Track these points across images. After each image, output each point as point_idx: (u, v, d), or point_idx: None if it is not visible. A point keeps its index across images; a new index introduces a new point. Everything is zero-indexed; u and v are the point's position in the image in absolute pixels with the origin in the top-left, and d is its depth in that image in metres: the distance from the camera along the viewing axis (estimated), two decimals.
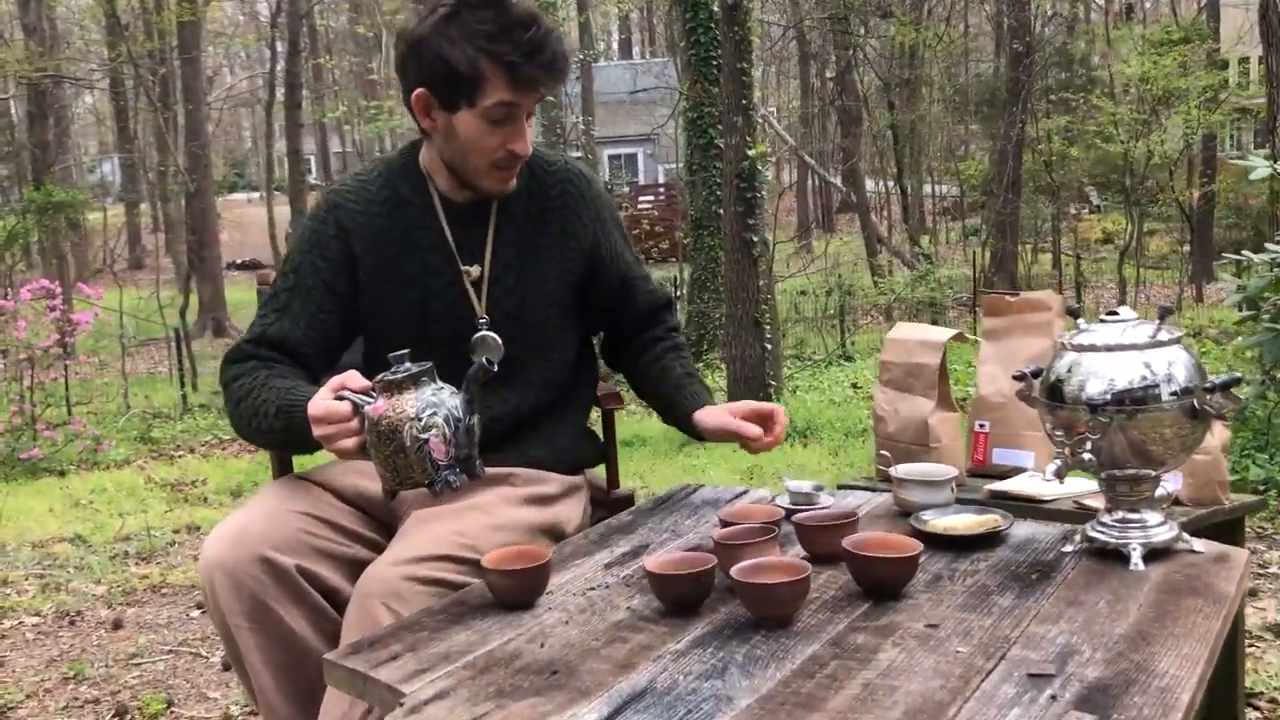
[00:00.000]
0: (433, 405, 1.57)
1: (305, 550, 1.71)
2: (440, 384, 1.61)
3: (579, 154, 13.55)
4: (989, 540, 1.68)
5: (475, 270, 1.93)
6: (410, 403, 1.56)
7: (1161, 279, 15.90)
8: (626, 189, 24.03)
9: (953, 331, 2.36)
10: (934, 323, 11.97)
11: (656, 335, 2.10)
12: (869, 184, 19.62)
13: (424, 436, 1.55)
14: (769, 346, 7.08)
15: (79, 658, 3.42)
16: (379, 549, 1.75)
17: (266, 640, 1.68)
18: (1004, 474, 2.29)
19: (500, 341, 1.89)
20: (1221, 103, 15.17)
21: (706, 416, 1.94)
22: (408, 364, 1.60)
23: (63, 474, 7.00)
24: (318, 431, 1.61)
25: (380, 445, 1.56)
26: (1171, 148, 14.44)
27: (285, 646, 1.69)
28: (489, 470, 1.89)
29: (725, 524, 1.72)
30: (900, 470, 1.87)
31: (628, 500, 2.20)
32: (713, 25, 8.45)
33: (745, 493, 2.07)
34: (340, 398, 1.61)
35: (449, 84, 1.78)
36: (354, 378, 1.63)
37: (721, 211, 8.16)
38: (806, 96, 22.41)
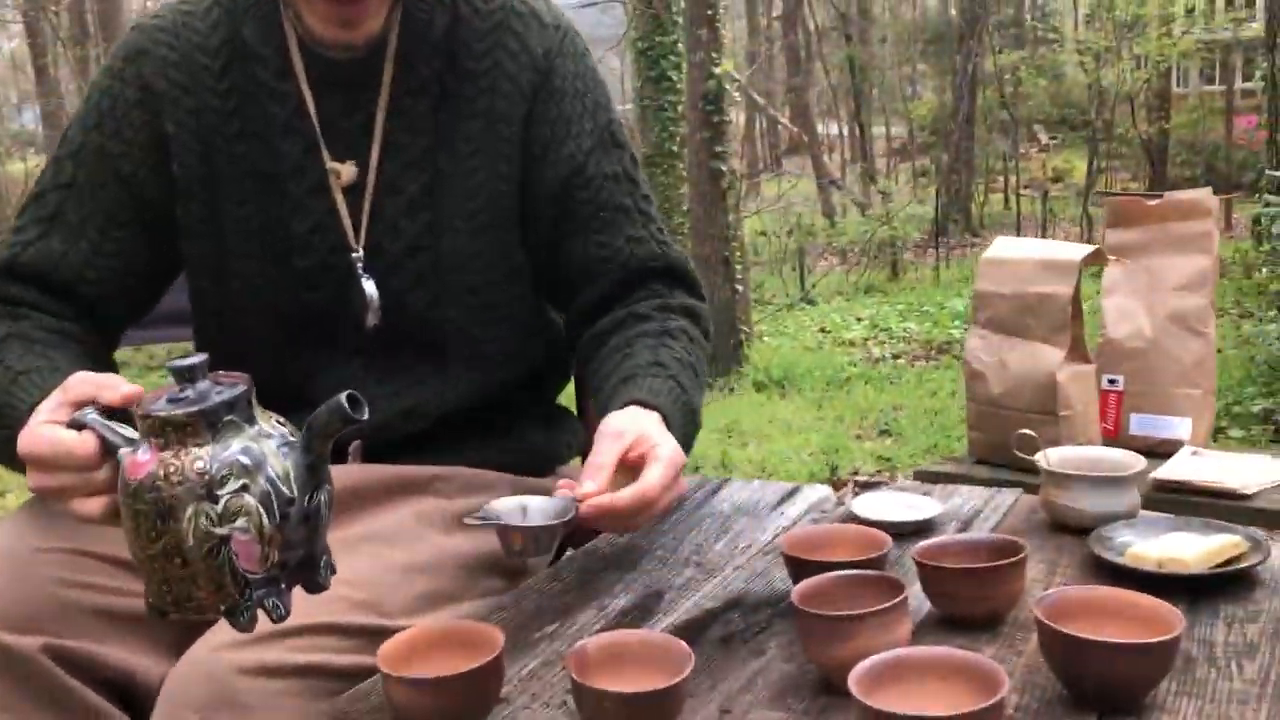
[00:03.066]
0: (243, 469, 0.81)
1: (64, 617, 1.00)
2: (263, 423, 0.85)
3: None
4: (1235, 580, 1.02)
5: (348, 170, 1.19)
6: (202, 459, 0.81)
7: None
8: None
9: (1088, 248, 1.65)
10: (893, 268, 11.38)
11: (639, 311, 1.25)
12: (818, 126, 18.99)
13: (220, 531, 0.80)
14: (739, 289, 6.39)
15: None
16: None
17: None
18: (1149, 450, 1.61)
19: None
20: (1181, 37, 14.66)
21: (615, 421, 1.10)
22: (203, 382, 0.84)
23: None
24: (34, 481, 0.91)
25: (141, 532, 0.81)
26: (1134, 78, 13.94)
27: None
28: (400, 471, 1.18)
29: (796, 563, 1.03)
30: (1057, 458, 1.18)
31: None
32: None
33: (796, 491, 1.38)
34: (78, 424, 0.89)
35: None
36: (109, 387, 0.90)
37: (675, 149, 7.44)
38: (753, 35, 21.67)
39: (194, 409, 0.81)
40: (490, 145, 1.22)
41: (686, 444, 1.14)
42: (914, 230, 12.88)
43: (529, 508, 1.03)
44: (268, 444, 0.83)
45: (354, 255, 1.18)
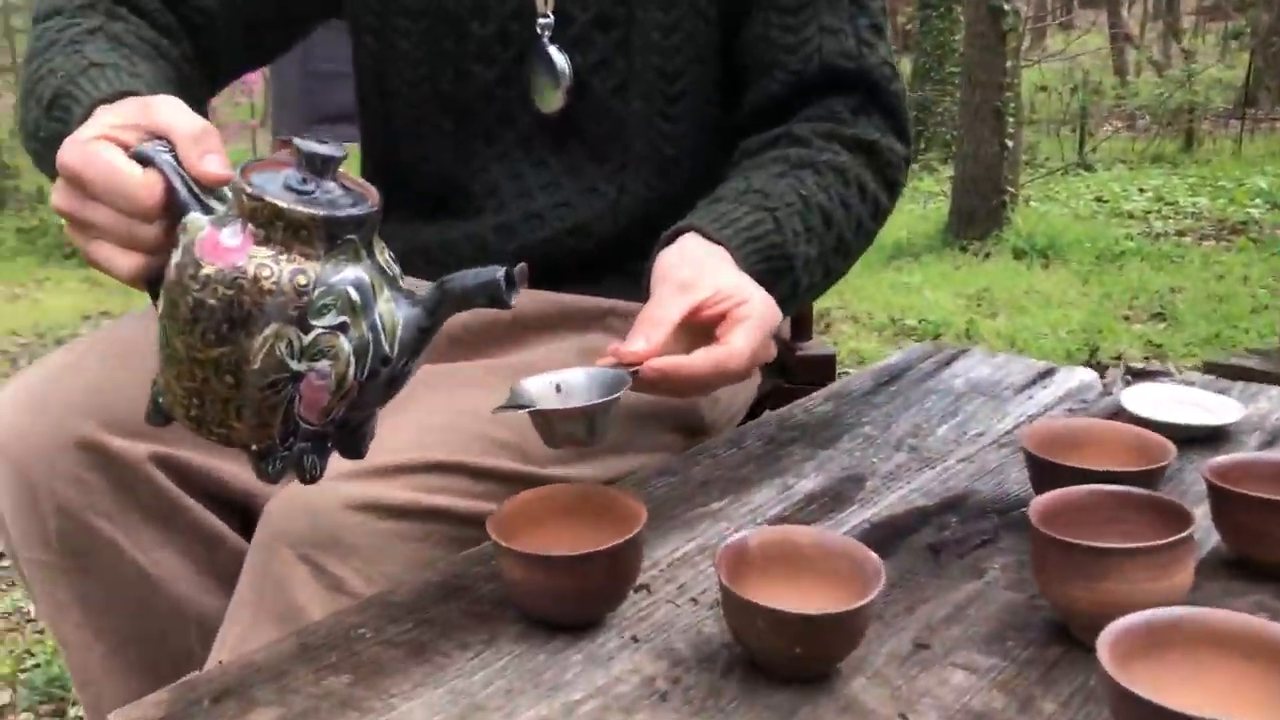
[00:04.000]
0: (348, 304, 0.64)
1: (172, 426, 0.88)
2: (379, 257, 0.67)
3: None
4: None
5: None
6: (306, 275, 0.63)
7: None
8: None
9: None
10: (1187, 137, 10.24)
11: (797, 133, 0.98)
12: None
13: (296, 366, 0.64)
14: (1009, 145, 5.81)
15: None
16: None
17: (91, 588, 0.88)
18: None
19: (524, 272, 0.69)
20: None
21: (670, 260, 0.86)
22: (331, 182, 0.66)
23: None
24: (65, 203, 0.69)
25: (197, 329, 0.64)
26: None
27: (126, 600, 0.89)
28: (567, 300, 1.01)
29: (1041, 465, 0.79)
30: None
31: (821, 367, 1.26)
32: None
33: (1051, 373, 1.12)
34: (144, 158, 0.67)
35: None
36: (197, 142, 0.67)
37: None
38: None
39: (320, 212, 0.63)
40: None
41: (778, 303, 0.86)
42: (1217, 98, 11.54)
43: (566, 384, 0.78)
44: (381, 285, 0.66)
45: (541, 22, 0.98)
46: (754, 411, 1.19)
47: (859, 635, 0.63)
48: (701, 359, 0.78)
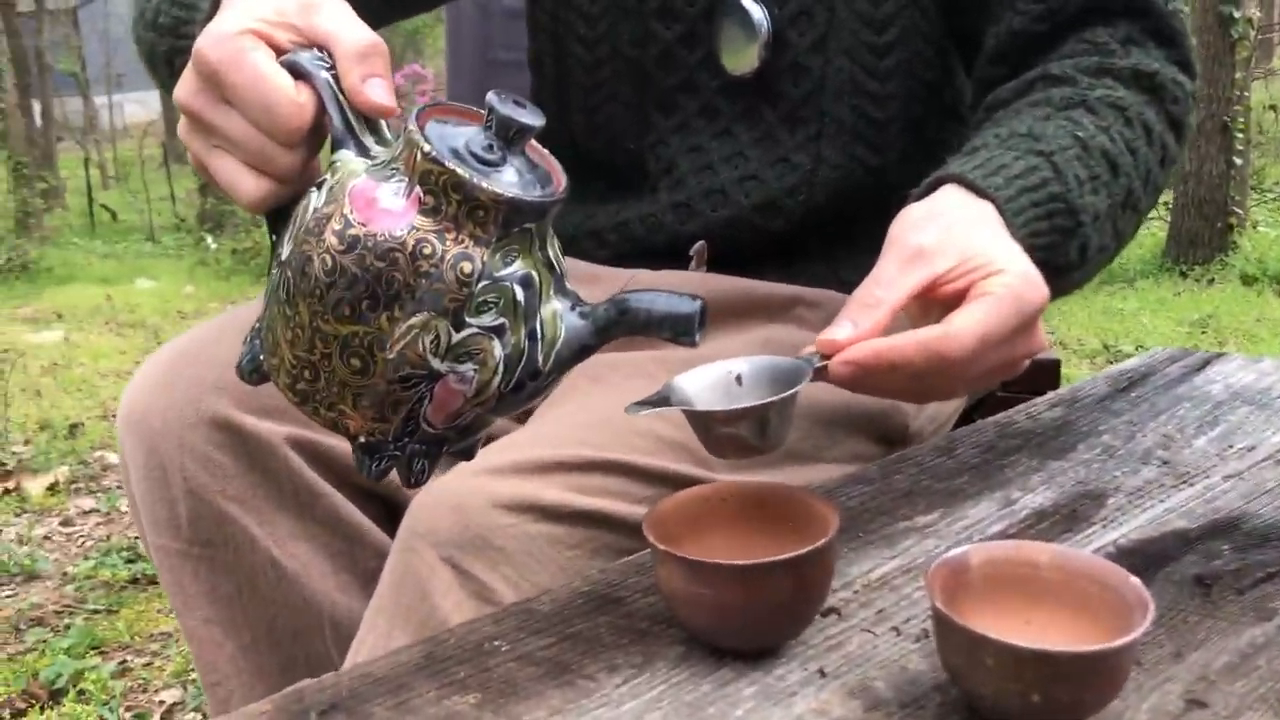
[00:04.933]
0: (511, 304, 0.54)
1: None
2: (551, 249, 0.57)
3: None
4: None
5: None
6: (472, 262, 0.53)
7: None
8: None
9: None
10: None
11: (1057, 72, 0.81)
12: None
13: (437, 365, 0.53)
14: (1238, 162, 5.36)
15: None
16: (490, 438, 0.83)
17: (221, 579, 0.81)
18: None
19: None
20: None
21: (911, 218, 0.69)
22: (520, 158, 0.55)
23: None
24: (191, 100, 0.57)
25: (329, 297, 0.53)
26: None
27: (257, 595, 0.82)
28: (752, 286, 0.90)
29: None
30: None
31: (1043, 375, 1.08)
32: None
33: None
34: (297, 69, 0.57)
35: None
36: (364, 62, 0.57)
37: None
38: None
39: (508, 193, 0.53)
40: None
41: (1061, 273, 0.69)
42: None
43: (742, 374, 0.63)
44: (549, 285, 0.56)
45: None
46: (963, 422, 1.04)
47: (1117, 683, 0.48)
48: (907, 344, 0.61)
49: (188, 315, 5.62)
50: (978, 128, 0.81)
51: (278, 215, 0.58)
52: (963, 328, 0.62)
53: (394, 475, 0.59)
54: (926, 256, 0.64)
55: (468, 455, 0.61)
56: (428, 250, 0.52)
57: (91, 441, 3.38)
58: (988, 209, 0.68)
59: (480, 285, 0.53)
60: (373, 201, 0.53)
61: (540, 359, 0.55)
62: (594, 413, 0.75)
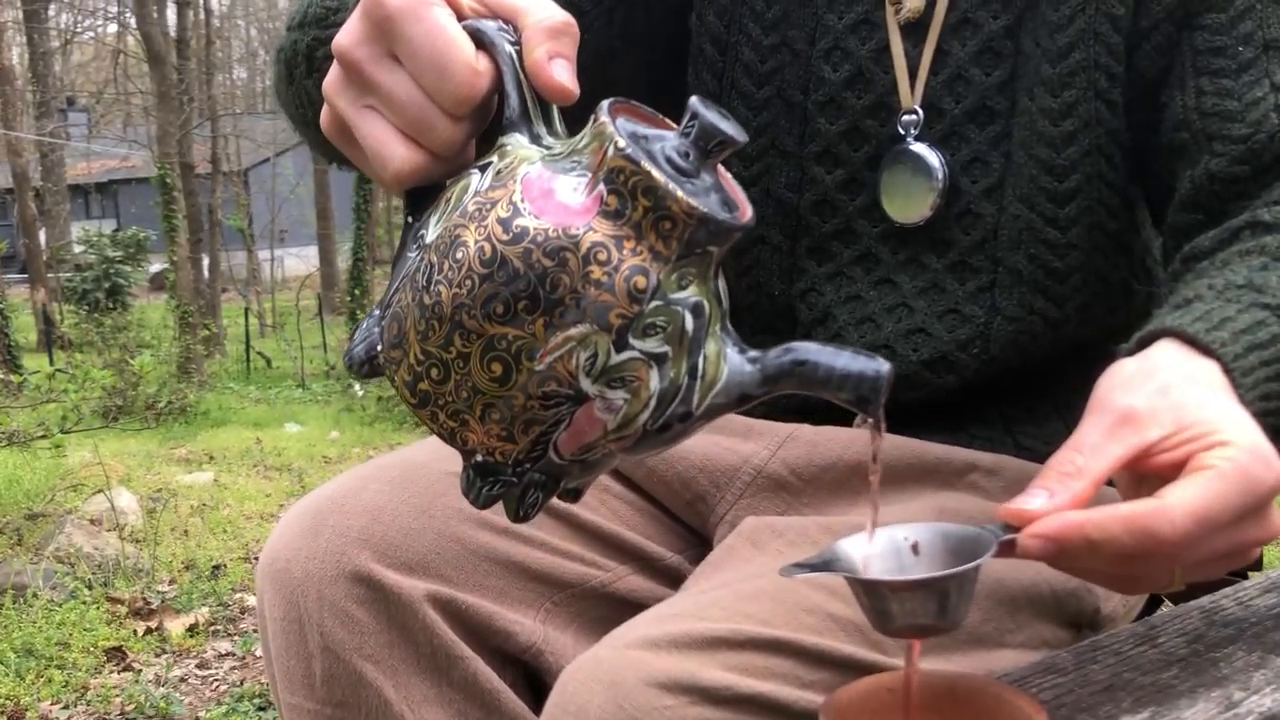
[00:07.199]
0: (678, 332, 0.48)
1: (466, 564, 0.78)
2: (720, 282, 0.51)
3: None
4: None
5: (916, 2, 0.84)
6: (645, 277, 0.47)
7: None
8: None
9: None
10: None
11: (1267, 219, 0.74)
12: None
13: (586, 387, 0.47)
14: None
15: None
16: (640, 604, 0.78)
17: None
18: None
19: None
20: None
21: (1121, 376, 0.59)
22: (711, 177, 0.50)
23: None
24: (352, 45, 0.51)
25: (478, 294, 0.47)
26: None
27: None
28: (924, 449, 0.84)
29: None
30: None
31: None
32: None
33: None
34: (478, 34, 0.51)
35: None
36: (553, 38, 0.51)
37: None
38: None
39: (704, 207, 0.47)
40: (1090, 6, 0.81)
41: None
42: None
43: (920, 543, 0.56)
44: (716, 318, 0.50)
45: (907, 119, 0.84)
46: (1150, 607, 0.94)
47: None
48: (1111, 518, 0.53)
49: (331, 460, 5.77)
50: (1177, 279, 0.74)
51: (418, 197, 0.53)
52: (1178, 504, 0.53)
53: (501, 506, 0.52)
54: (1137, 421, 0.56)
55: (575, 496, 0.55)
56: (602, 256, 0.46)
57: (233, 583, 3.44)
58: (1211, 368, 0.60)
59: (652, 305, 0.47)
60: (549, 193, 0.47)
61: (695, 400, 0.49)
62: (756, 582, 0.70)
